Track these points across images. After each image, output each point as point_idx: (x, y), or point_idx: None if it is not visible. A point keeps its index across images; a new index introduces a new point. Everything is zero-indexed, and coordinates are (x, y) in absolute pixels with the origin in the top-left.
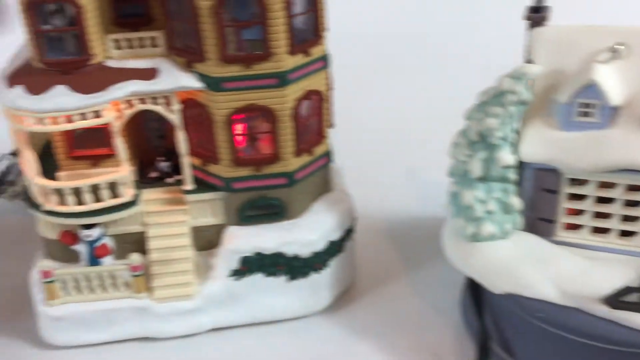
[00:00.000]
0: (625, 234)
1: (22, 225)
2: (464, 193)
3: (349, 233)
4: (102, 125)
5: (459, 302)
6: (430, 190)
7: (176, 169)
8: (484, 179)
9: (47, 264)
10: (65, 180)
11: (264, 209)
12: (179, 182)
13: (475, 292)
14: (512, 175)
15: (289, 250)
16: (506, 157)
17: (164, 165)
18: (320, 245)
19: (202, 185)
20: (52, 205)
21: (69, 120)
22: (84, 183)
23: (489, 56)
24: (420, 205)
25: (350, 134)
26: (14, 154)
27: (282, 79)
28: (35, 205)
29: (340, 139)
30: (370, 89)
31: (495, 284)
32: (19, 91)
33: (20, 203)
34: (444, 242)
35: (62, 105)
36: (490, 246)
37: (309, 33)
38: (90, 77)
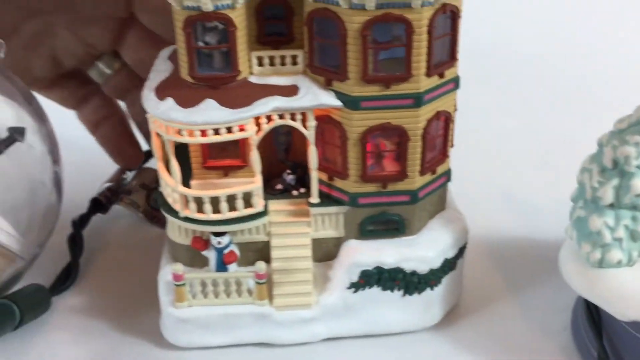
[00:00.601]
0: None
1: (134, 228)
2: (593, 219)
3: (461, 251)
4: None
5: (570, 325)
6: (528, 210)
7: (300, 182)
8: (613, 205)
9: (179, 267)
10: (198, 189)
11: (385, 225)
12: (303, 195)
13: (592, 317)
14: None
15: (408, 266)
16: None
17: (290, 178)
18: (437, 262)
19: (326, 199)
20: (190, 212)
21: (216, 132)
22: (222, 193)
23: (597, 83)
24: (520, 225)
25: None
26: None
27: (417, 100)
28: (172, 212)
29: None
30: (471, 106)
31: (623, 312)
32: (170, 103)
33: (133, 210)
34: (563, 266)
35: (213, 119)
36: (617, 273)
37: (444, 55)
38: (237, 93)
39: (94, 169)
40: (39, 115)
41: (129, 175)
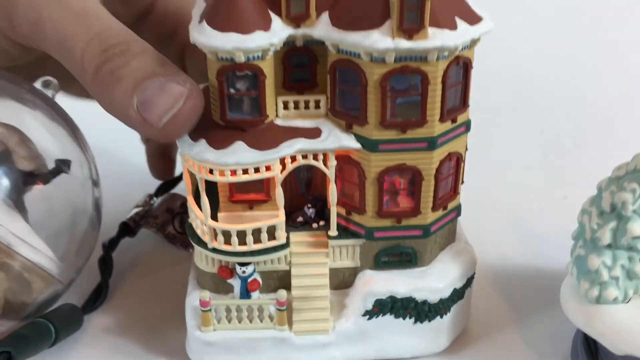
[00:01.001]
0: None
1: (160, 250)
2: (592, 258)
3: (470, 281)
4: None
5: (570, 355)
6: (535, 241)
7: (319, 215)
8: (610, 246)
9: (206, 294)
10: (225, 221)
11: (398, 256)
12: (322, 228)
13: (590, 348)
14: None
15: (420, 295)
16: (637, 229)
17: (310, 211)
18: (447, 292)
19: (344, 232)
20: (218, 244)
21: (245, 172)
22: (249, 227)
23: (610, 117)
24: (527, 256)
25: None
26: (157, 194)
27: (431, 143)
28: (201, 243)
29: None
30: (482, 136)
31: (617, 345)
32: (203, 145)
33: (159, 233)
34: (564, 301)
35: (243, 160)
36: (613, 309)
37: (457, 102)
38: (265, 135)
39: (123, 194)
40: (83, 146)
41: (156, 200)
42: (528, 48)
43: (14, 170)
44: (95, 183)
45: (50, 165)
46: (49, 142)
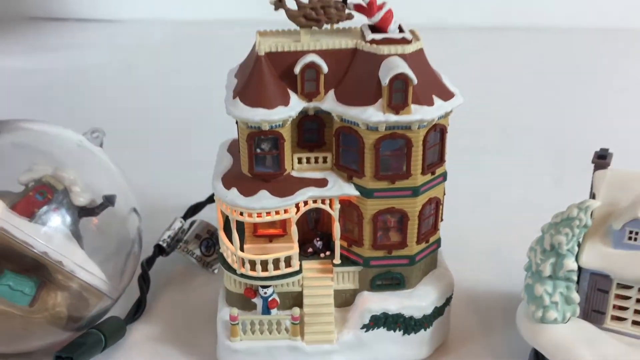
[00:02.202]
0: None
1: (189, 270)
2: (537, 286)
3: (448, 300)
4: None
5: None
6: (508, 268)
7: (325, 246)
8: (551, 277)
9: (235, 310)
10: (250, 252)
11: (390, 280)
12: (328, 257)
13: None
14: (574, 276)
15: (407, 312)
16: (571, 264)
17: (319, 243)
18: (429, 310)
19: (346, 261)
20: (245, 271)
21: (268, 214)
22: (270, 257)
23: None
24: (500, 280)
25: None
26: (185, 217)
27: (415, 191)
28: (231, 269)
29: None
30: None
31: (556, 358)
32: (235, 192)
33: (188, 256)
34: (518, 321)
35: (267, 206)
36: (553, 328)
37: (435, 158)
38: (283, 185)
39: (154, 217)
40: (124, 182)
41: (185, 222)
42: (515, 94)
43: (72, 206)
44: (137, 214)
45: (99, 200)
46: (96, 180)
